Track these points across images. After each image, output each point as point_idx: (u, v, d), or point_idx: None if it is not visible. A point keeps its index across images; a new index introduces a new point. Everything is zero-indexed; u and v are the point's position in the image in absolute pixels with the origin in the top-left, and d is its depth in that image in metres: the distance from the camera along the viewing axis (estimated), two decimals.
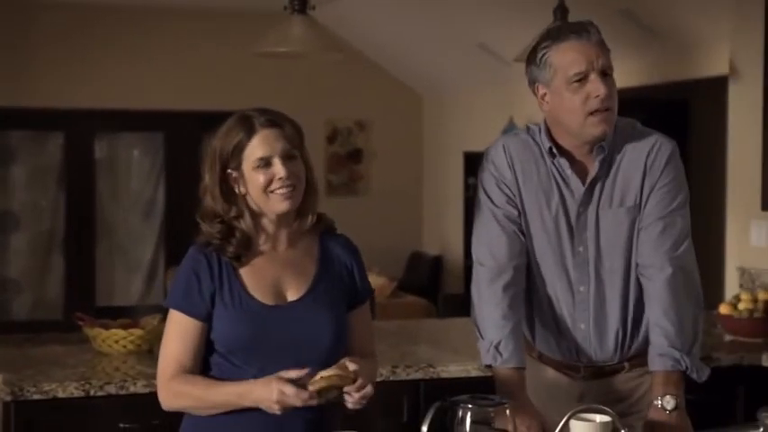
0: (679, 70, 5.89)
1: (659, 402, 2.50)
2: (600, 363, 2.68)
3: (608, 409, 2.27)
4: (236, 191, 2.32)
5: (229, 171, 2.32)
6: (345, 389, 2.23)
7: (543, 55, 2.57)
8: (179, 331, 2.32)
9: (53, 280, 9.18)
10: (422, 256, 9.68)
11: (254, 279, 2.33)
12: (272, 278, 2.35)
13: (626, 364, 2.69)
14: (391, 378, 3.45)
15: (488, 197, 2.65)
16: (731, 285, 5.06)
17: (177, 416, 2.41)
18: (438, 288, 9.27)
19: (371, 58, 9.35)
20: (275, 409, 2.20)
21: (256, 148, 2.29)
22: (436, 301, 8.37)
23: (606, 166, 2.60)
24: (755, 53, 4.50)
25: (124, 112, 9.10)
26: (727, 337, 4.18)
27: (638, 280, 2.62)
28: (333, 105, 9.55)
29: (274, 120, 2.31)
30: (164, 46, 9.07)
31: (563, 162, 2.60)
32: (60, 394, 3.19)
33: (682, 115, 6.85)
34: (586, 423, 2.26)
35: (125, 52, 8.98)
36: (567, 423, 2.22)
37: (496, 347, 2.57)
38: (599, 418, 2.27)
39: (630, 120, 2.67)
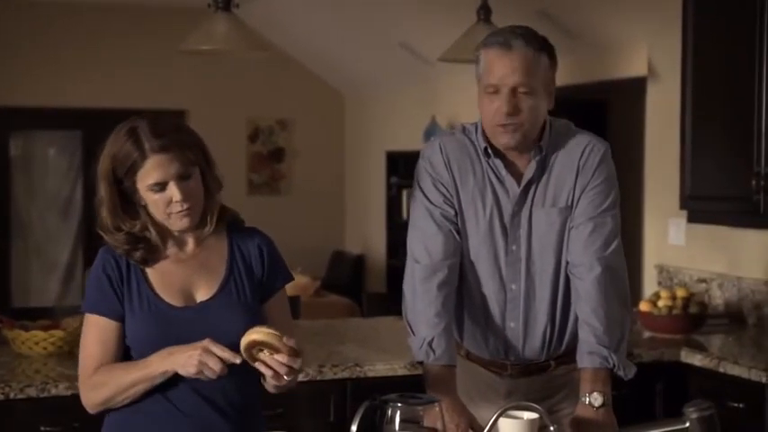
0: (598, 71, 5.97)
1: (587, 399, 2.53)
2: (527, 361, 2.71)
3: (536, 406, 2.30)
4: (136, 203, 2.30)
5: (126, 186, 2.29)
6: (276, 356, 2.16)
7: (478, 55, 2.61)
8: (96, 334, 2.29)
9: None
10: (344, 255, 9.68)
11: (163, 281, 2.31)
12: (181, 280, 2.33)
13: (552, 363, 2.72)
14: (318, 378, 3.45)
15: (425, 195, 2.67)
16: (650, 283, 5.16)
17: (98, 418, 2.37)
18: (360, 287, 9.28)
19: (294, 56, 9.32)
20: (192, 366, 2.15)
21: (150, 172, 2.25)
22: (360, 300, 8.38)
23: (541, 167, 2.62)
24: (673, 54, 4.59)
25: (41, 110, 8.92)
26: (647, 334, 4.26)
27: (567, 279, 2.65)
28: (255, 104, 9.49)
29: (165, 145, 2.25)
30: (84, 41, 8.91)
31: (498, 162, 2.62)
32: None
33: (600, 116, 6.94)
34: (514, 420, 2.28)
35: (43, 48, 8.80)
36: (495, 421, 2.23)
37: (429, 344, 2.57)
38: (527, 415, 2.29)
39: (565, 121, 2.71)
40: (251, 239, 2.41)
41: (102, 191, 2.30)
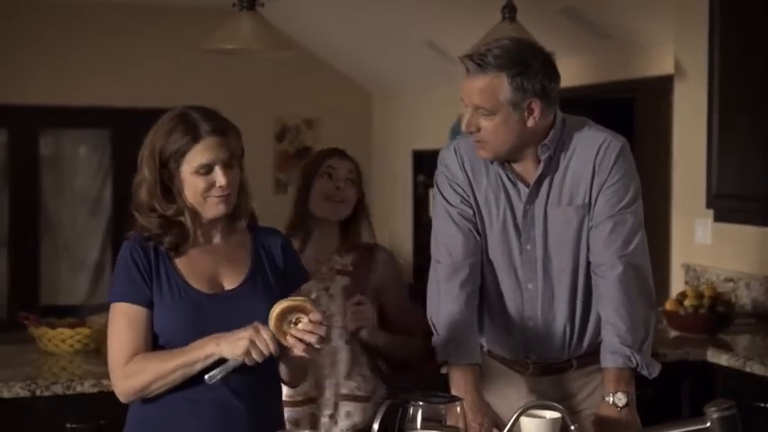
0: (625, 69, 5.95)
1: (610, 399, 2.53)
2: (548, 360, 2.71)
3: (558, 406, 2.29)
4: (175, 188, 2.34)
5: (168, 168, 2.32)
6: (301, 324, 2.20)
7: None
8: (127, 322, 2.31)
9: None
10: None
11: (191, 269, 2.35)
12: (209, 268, 2.36)
13: (574, 362, 2.72)
14: None
15: (443, 197, 2.70)
16: (676, 282, 5.13)
17: (123, 415, 2.39)
18: None
19: (320, 55, 9.33)
20: (241, 347, 2.17)
21: (200, 154, 2.30)
22: None
23: (554, 164, 2.62)
24: (700, 53, 4.56)
25: (70, 109, 8.99)
26: (673, 333, 4.24)
27: (587, 279, 2.64)
28: (281, 103, 9.52)
29: (220, 128, 2.32)
30: (113, 40, 8.96)
31: (506, 167, 2.64)
32: (6, 395, 3.16)
33: (627, 114, 6.91)
34: (537, 419, 2.28)
35: (72, 47, 8.86)
36: (517, 420, 2.23)
37: (452, 343, 2.59)
38: (549, 414, 2.29)
39: (581, 118, 2.70)
40: (273, 237, 2.47)
41: (146, 171, 2.33)
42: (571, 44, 5.88)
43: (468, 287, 2.64)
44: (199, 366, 2.24)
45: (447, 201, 2.68)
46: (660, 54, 5.42)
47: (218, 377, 2.20)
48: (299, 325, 2.20)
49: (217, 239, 2.40)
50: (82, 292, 9.25)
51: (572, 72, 6.04)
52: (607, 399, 2.54)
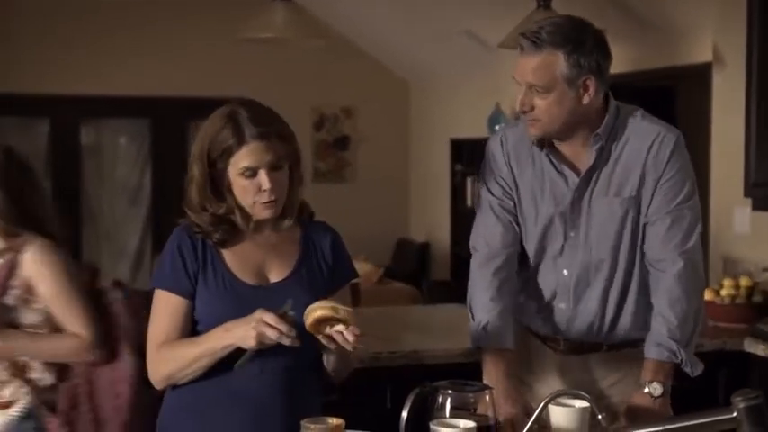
0: (664, 57, 5.90)
1: (646, 388, 2.53)
2: (580, 341, 2.71)
3: (585, 395, 2.29)
4: (225, 187, 2.35)
5: (217, 168, 2.34)
6: (338, 328, 2.21)
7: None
8: (167, 310, 2.34)
9: None
10: (408, 242, 9.69)
11: (238, 261, 2.37)
12: (255, 260, 2.38)
13: (605, 345, 2.71)
14: (375, 364, 3.46)
15: (487, 188, 2.72)
16: (715, 272, 5.08)
17: (160, 398, 2.43)
18: (424, 275, 9.28)
19: (358, 44, 9.34)
20: (252, 338, 2.19)
21: (244, 157, 2.30)
22: (422, 287, 8.39)
23: (605, 154, 2.59)
24: (739, 40, 4.51)
25: (110, 99, 9.07)
26: (710, 323, 4.20)
27: (625, 273, 2.63)
28: (319, 92, 9.54)
29: (264, 133, 2.30)
30: (150, 32, 9.04)
31: (553, 151, 2.63)
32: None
33: (669, 102, 6.84)
34: (565, 408, 2.27)
35: (111, 38, 8.94)
36: (544, 408, 2.23)
37: (484, 328, 2.60)
38: (577, 403, 2.28)
39: (634, 107, 2.66)
40: (323, 232, 2.48)
41: (195, 170, 2.35)
42: (611, 32, 5.82)
43: (501, 274, 2.65)
44: (220, 355, 2.26)
45: (490, 192, 2.70)
46: (699, 41, 5.36)
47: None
48: (335, 327, 2.21)
49: (266, 232, 2.41)
50: (122, 280, 9.33)
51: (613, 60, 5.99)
52: (643, 387, 2.54)
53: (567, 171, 2.62)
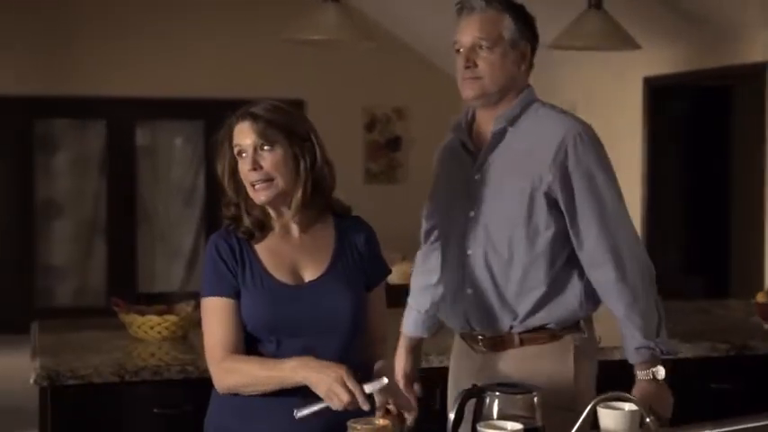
0: (717, 56, 5.83)
1: (649, 374, 2.55)
2: (489, 333, 2.67)
3: (633, 398, 2.27)
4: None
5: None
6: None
7: None
8: (218, 316, 2.37)
9: (95, 267, 9.29)
10: None
11: (273, 260, 2.39)
12: (289, 259, 2.40)
13: (516, 338, 2.65)
14: (424, 365, 3.45)
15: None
16: None
17: (209, 401, 2.45)
18: None
19: (409, 43, 9.33)
20: (323, 391, 2.21)
21: (234, 137, 2.39)
22: None
23: (505, 138, 2.62)
24: None
25: (165, 100, 9.17)
26: (765, 326, 4.14)
27: (525, 255, 2.58)
28: (370, 93, 9.55)
29: (252, 113, 2.37)
30: (206, 34, 9.12)
31: (464, 129, 2.71)
32: (96, 380, 3.23)
33: (725, 102, 6.76)
34: (616, 411, 2.26)
35: (168, 41, 9.04)
36: (591, 410, 2.21)
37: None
38: (627, 406, 2.26)
39: (542, 100, 2.68)
40: (358, 229, 2.49)
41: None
42: (663, 32, 5.78)
43: (422, 258, 2.84)
44: (288, 386, 2.29)
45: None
46: (753, 41, 5.29)
47: (304, 418, 2.23)
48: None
49: (295, 231, 2.43)
50: (177, 280, 9.44)
51: (664, 60, 5.94)
52: (644, 376, 2.56)
53: (472, 147, 2.67)
